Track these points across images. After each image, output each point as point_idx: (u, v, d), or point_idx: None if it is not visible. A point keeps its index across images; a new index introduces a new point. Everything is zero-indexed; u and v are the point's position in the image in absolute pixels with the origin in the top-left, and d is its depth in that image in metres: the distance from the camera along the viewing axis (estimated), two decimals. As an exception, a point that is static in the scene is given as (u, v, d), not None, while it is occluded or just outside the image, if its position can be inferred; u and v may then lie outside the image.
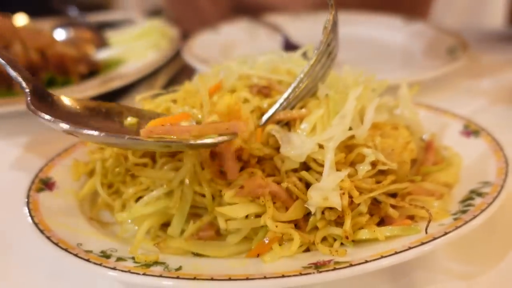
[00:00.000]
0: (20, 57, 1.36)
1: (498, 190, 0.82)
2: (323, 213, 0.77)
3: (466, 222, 0.75)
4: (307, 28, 1.83)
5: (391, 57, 1.64)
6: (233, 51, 1.70)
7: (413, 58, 1.62)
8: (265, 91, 0.95)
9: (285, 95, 0.87)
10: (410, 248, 0.70)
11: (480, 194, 0.83)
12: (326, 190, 0.75)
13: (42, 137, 1.28)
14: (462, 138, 1.02)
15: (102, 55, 1.66)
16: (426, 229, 0.74)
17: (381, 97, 0.95)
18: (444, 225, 0.76)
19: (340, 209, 0.74)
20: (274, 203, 0.78)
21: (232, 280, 0.66)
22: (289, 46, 1.67)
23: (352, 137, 0.83)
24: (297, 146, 0.82)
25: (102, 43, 1.71)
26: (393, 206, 0.80)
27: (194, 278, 0.67)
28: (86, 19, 1.89)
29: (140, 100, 1.02)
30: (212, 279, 0.67)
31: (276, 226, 0.75)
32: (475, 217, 0.76)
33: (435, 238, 0.72)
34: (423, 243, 0.71)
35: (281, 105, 0.87)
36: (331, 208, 0.76)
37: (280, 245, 0.75)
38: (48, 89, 1.36)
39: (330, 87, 0.91)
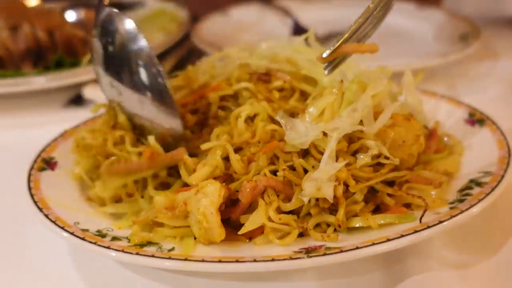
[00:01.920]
0: (28, 38, 1.37)
1: (498, 180, 0.80)
2: (317, 199, 0.77)
3: (462, 212, 0.74)
4: (318, 13, 1.81)
5: (401, 43, 1.62)
6: (242, 34, 1.69)
7: (424, 44, 1.59)
8: (265, 78, 0.94)
9: (353, 26, 0.82)
10: (402, 236, 0.70)
11: (479, 184, 0.81)
12: (321, 181, 0.74)
13: (49, 117, 1.30)
14: (466, 126, 1.00)
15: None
16: (420, 218, 0.73)
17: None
18: (439, 214, 0.75)
19: (331, 201, 0.74)
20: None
21: (222, 262, 0.67)
22: (299, 30, 1.65)
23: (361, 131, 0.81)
24: (301, 133, 0.80)
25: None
26: (389, 195, 0.80)
27: (185, 259, 0.68)
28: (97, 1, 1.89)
29: None
30: (203, 260, 0.68)
31: (280, 219, 0.75)
32: (471, 206, 0.75)
33: (428, 227, 0.71)
34: (416, 231, 0.71)
35: (349, 35, 0.82)
36: (325, 197, 0.76)
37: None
38: (56, 70, 1.38)
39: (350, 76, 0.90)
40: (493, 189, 0.78)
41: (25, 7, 1.45)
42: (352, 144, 0.81)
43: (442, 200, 0.80)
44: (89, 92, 1.33)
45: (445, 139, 0.99)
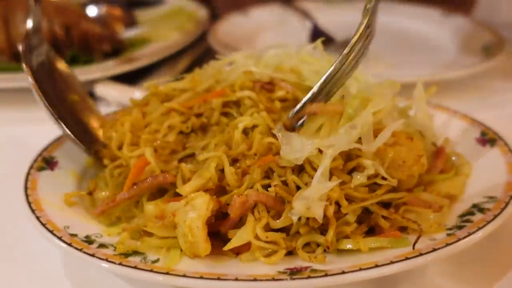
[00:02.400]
0: (46, 33, 1.39)
1: (501, 207, 0.77)
2: (308, 218, 0.75)
3: (459, 240, 0.71)
4: (338, 16, 1.78)
5: (420, 50, 1.57)
6: (259, 36, 1.68)
7: (444, 54, 1.54)
8: (268, 87, 0.92)
9: (318, 84, 0.79)
10: (392, 262, 0.67)
11: (481, 210, 0.78)
12: (311, 200, 0.72)
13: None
14: (477, 145, 0.96)
15: (129, 33, 1.68)
16: (414, 244, 0.71)
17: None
18: (435, 241, 0.72)
19: (320, 221, 0.72)
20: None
21: (204, 279, 0.66)
22: (317, 33, 1.62)
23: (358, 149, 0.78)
24: (296, 148, 0.78)
25: (131, 22, 1.73)
26: (385, 217, 0.77)
27: (167, 273, 0.67)
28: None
29: (147, 86, 1.02)
30: (184, 275, 0.67)
31: (267, 237, 0.73)
32: (469, 234, 0.71)
33: (421, 254, 0.68)
34: (407, 258, 0.68)
35: (313, 95, 0.80)
36: (315, 216, 0.74)
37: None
38: (70, 67, 1.40)
39: (354, 89, 0.87)
40: (495, 217, 0.75)
41: (44, 2, 1.46)
42: (348, 162, 0.79)
43: (440, 225, 0.77)
44: (100, 90, 1.34)
45: (453, 158, 0.96)
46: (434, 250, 0.69)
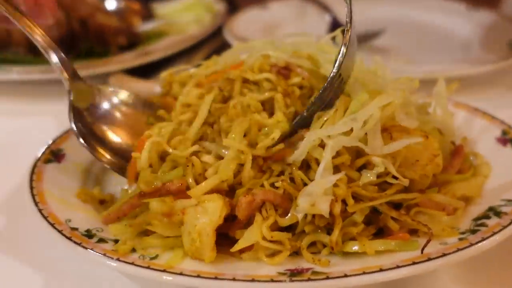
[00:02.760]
0: (62, 26, 1.39)
1: (519, 211, 0.72)
2: (314, 216, 0.72)
3: (471, 245, 0.67)
4: (358, 10, 1.73)
5: (443, 47, 1.51)
6: (277, 30, 1.65)
7: (468, 48, 1.48)
8: (284, 72, 0.90)
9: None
10: (398, 266, 0.64)
11: (498, 214, 0.74)
12: (315, 195, 0.69)
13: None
14: (497, 145, 0.92)
15: (146, 27, 1.67)
16: (423, 248, 0.67)
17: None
18: (446, 245, 0.68)
19: (327, 216, 0.69)
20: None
21: (200, 278, 0.64)
22: (336, 27, 1.58)
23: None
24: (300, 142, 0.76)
25: (148, 15, 1.72)
26: (394, 218, 0.73)
27: (164, 271, 0.65)
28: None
29: (164, 76, 1.00)
30: (181, 273, 0.65)
31: (272, 237, 0.70)
32: (483, 240, 0.68)
33: (429, 259, 0.65)
34: (414, 263, 0.65)
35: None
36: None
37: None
38: (85, 60, 1.39)
39: (363, 84, 0.84)
40: (512, 222, 0.70)
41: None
42: (357, 159, 0.76)
43: (452, 229, 0.73)
44: (115, 83, 1.34)
45: (472, 158, 0.91)
46: (444, 255, 0.65)
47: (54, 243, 0.81)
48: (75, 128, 0.89)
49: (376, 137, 0.74)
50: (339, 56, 0.77)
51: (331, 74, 0.77)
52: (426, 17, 1.67)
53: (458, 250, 0.66)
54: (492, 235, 0.68)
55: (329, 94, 0.78)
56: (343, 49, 0.77)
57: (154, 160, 0.81)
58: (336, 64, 0.77)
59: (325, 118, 0.76)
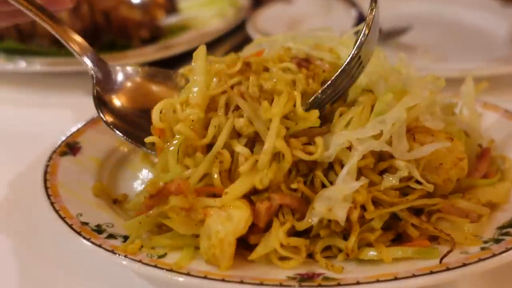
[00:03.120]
0: (86, 19, 1.39)
1: (549, 221, 0.68)
2: (330, 221, 0.69)
3: (494, 255, 0.63)
4: (385, 6, 1.68)
5: (474, 44, 1.45)
6: (301, 25, 1.61)
7: (501, 48, 1.42)
8: (304, 64, 0.87)
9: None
10: (414, 276, 0.61)
11: (525, 223, 0.70)
12: (334, 200, 0.66)
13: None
14: (528, 150, 0.87)
15: (170, 20, 1.66)
16: (442, 257, 0.63)
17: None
18: (467, 254, 0.65)
19: (342, 224, 0.66)
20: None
21: (207, 279, 0.62)
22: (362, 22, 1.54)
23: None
24: (327, 143, 0.72)
25: (172, 8, 1.71)
26: (414, 225, 0.70)
27: (171, 270, 0.64)
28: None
29: (183, 71, 0.99)
30: (188, 274, 0.63)
31: (288, 243, 0.67)
32: (507, 250, 0.64)
33: (448, 269, 0.61)
34: (431, 272, 0.61)
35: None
36: (337, 219, 0.68)
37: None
38: (108, 52, 1.39)
39: (389, 83, 0.80)
40: (540, 232, 0.66)
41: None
42: (380, 162, 0.72)
43: (475, 237, 0.69)
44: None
45: (499, 162, 0.87)
46: (464, 265, 0.62)
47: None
48: (99, 112, 0.88)
49: (402, 141, 0.70)
50: (360, 36, 0.72)
51: (350, 55, 0.73)
52: (457, 14, 1.61)
53: (480, 260, 0.62)
54: (517, 245, 0.64)
55: (346, 77, 0.74)
56: (364, 29, 0.72)
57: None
58: (357, 44, 0.72)
59: (350, 116, 0.73)
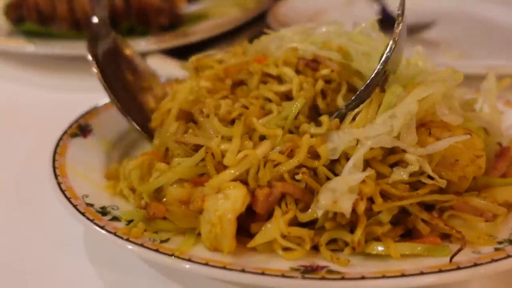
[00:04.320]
0: (106, 3, 1.39)
1: None
2: (335, 213, 0.67)
3: (508, 257, 0.60)
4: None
5: (499, 42, 1.41)
6: (322, 17, 1.58)
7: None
8: (313, 65, 0.85)
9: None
10: (422, 273, 0.59)
11: (543, 225, 0.66)
12: (339, 192, 0.64)
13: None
14: (551, 150, 0.83)
15: (190, 8, 1.65)
16: (452, 255, 0.61)
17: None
18: (479, 254, 0.62)
19: (348, 216, 0.64)
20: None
21: (209, 266, 0.61)
22: (385, 15, 1.51)
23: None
24: (333, 141, 0.71)
25: (193, -3, 1.70)
26: (425, 221, 0.67)
27: (172, 255, 0.63)
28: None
29: (192, 61, 0.98)
30: (189, 260, 0.62)
31: (289, 232, 0.66)
32: (522, 252, 0.61)
33: (459, 268, 0.59)
34: (440, 271, 0.59)
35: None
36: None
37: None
38: (126, 37, 1.39)
39: (400, 75, 0.78)
40: (558, 235, 0.63)
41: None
42: (390, 156, 0.70)
43: (489, 237, 0.66)
44: (153, 63, 1.33)
45: (520, 162, 0.83)
46: (475, 265, 0.59)
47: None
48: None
49: (410, 132, 0.67)
50: (386, 51, 0.71)
51: (376, 70, 0.72)
52: (483, 10, 1.56)
53: (493, 261, 0.60)
54: (534, 247, 0.61)
55: (371, 89, 0.73)
56: (391, 44, 0.71)
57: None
58: (383, 60, 0.71)
59: (357, 110, 0.71)
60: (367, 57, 0.83)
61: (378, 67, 0.72)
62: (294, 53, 0.87)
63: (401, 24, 0.71)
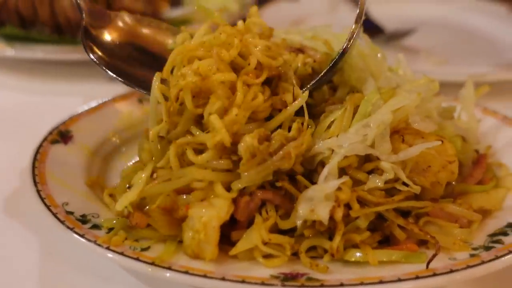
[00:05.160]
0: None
1: (541, 230, 0.66)
2: (315, 221, 0.68)
3: (483, 263, 0.62)
4: (391, 8, 1.66)
5: (479, 49, 1.44)
6: (304, 24, 1.60)
7: (506, 54, 1.40)
8: (297, 52, 0.87)
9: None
10: (399, 280, 0.60)
11: (517, 231, 0.68)
12: (316, 200, 0.65)
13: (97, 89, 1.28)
14: (526, 157, 0.85)
15: (173, 13, 1.65)
16: (428, 262, 0.62)
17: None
18: (455, 261, 0.63)
19: (326, 224, 0.65)
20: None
21: (189, 274, 0.61)
22: (367, 23, 1.52)
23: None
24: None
25: (176, 1, 1.70)
26: (401, 227, 0.69)
27: (152, 263, 0.63)
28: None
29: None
30: (170, 268, 0.62)
31: (270, 239, 0.67)
32: (496, 258, 0.62)
33: (435, 275, 0.60)
34: (417, 277, 0.60)
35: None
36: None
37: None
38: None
39: (379, 83, 0.79)
40: (531, 241, 0.65)
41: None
42: (366, 164, 0.71)
43: (465, 243, 0.68)
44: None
45: (495, 168, 0.85)
46: (451, 271, 0.61)
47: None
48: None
49: (385, 141, 0.69)
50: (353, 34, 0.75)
51: (342, 50, 0.75)
52: (463, 19, 1.59)
53: (468, 267, 0.61)
54: (507, 253, 0.63)
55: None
56: (354, 30, 0.75)
57: None
58: (351, 42, 0.74)
59: (331, 119, 0.72)
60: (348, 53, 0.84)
61: (343, 47, 0.75)
62: (282, 43, 0.88)
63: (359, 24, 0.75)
